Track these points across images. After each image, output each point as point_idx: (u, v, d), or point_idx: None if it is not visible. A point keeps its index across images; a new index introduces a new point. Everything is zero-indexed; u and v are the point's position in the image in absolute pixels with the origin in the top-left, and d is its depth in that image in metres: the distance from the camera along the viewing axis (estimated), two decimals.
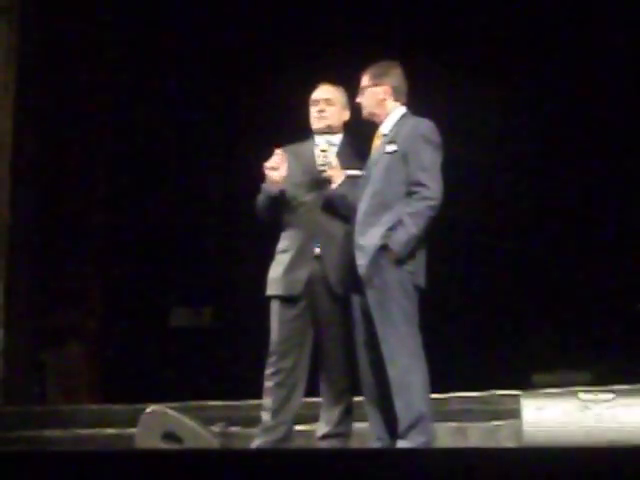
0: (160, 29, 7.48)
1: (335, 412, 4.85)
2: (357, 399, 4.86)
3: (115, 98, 7.61)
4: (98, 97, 7.55)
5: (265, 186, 4.90)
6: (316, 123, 4.98)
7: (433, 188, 4.61)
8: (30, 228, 7.08)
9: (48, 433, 6.13)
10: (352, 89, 4.93)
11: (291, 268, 4.85)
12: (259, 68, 7.21)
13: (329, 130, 4.94)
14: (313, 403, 5.02)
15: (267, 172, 4.85)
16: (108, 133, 7.64)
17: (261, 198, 4.94)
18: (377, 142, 4.82)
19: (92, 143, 7.52)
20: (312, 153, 4.92)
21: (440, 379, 4.78)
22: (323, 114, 4.95)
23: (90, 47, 7.50)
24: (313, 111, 4.99)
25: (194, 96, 7.48)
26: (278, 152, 4.86)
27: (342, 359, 4.82)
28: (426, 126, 4.73)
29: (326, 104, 4.96)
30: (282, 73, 7.06)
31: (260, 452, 4.06)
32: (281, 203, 4.90)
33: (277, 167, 4.82)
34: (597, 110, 6.82)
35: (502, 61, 6.98)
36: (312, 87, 5.05)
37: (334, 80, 5.05)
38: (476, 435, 5.59)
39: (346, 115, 5.02)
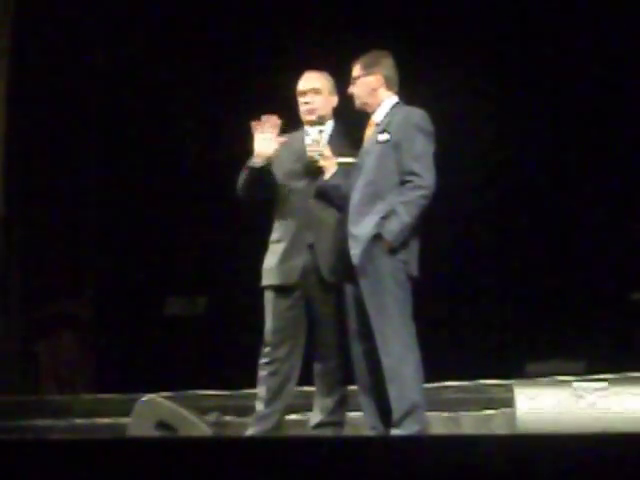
0: (155, 11, 7.44)
1: (329, 401, 4.84)
2: (351, 388, 4.86)
3: (108, 81, 7.59)
4: (90, 83, 7.54)
5: (250, 161, 4.84)
6: (306, 115, 4.93)
7: (426, 177, 4.61)
8: (23, 218, 7.07)
9: (42, 423, 6.13)
10: (339, 75, 4.90)
11: (285, 258, 4.84)
12: (250, 58, 7.19)
13: (320, 120, 4.91)
14: (307, 392, 5.03)
15: (255, 139, 4.79)
16: (101, 119, 7.62)
17: (243, 173, 4.86)
18: (369, 131, 4.82)
19: (86, 129, 7.50)
20: (303, 142, 4.87)
21: (433, 368, 4.79)
22: (312, 106, 4.90)
23: (84, 35, 7.49)
24: (301, 102, 4.93)
25: (190, 86, 7.45)
26: (272, 118, 4.80)
27: (336, 349, 4.82)
28: (418, 115, 4.73)
29: (314, 94, 4.91)
30: (270, 63, 7.03)
31: (253, 440, 4.06)
32: (263, 182, 4.81)
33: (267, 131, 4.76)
34: (596, 92, 6.81)
35: (496, 48, 6.96)
36: (297, 77, 4.98)
37: (319, 67, 4.99)
38: (469, 424, 5.60)
39: (334, 101, 4.97)
